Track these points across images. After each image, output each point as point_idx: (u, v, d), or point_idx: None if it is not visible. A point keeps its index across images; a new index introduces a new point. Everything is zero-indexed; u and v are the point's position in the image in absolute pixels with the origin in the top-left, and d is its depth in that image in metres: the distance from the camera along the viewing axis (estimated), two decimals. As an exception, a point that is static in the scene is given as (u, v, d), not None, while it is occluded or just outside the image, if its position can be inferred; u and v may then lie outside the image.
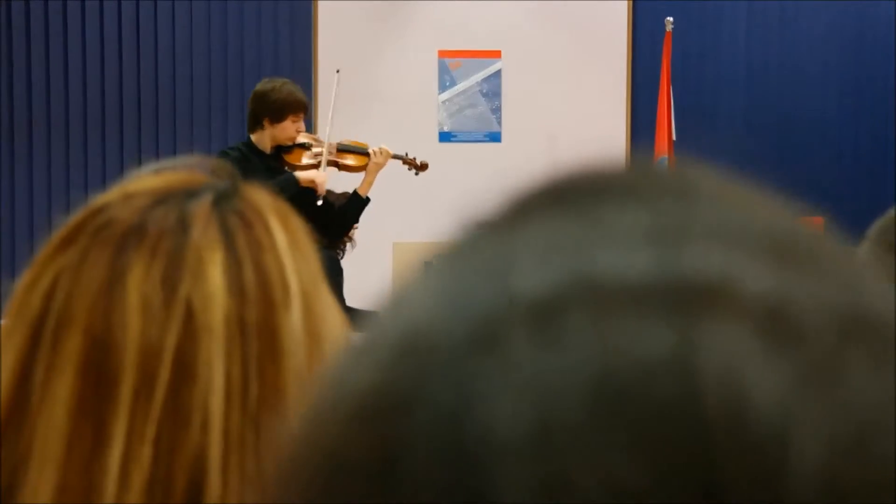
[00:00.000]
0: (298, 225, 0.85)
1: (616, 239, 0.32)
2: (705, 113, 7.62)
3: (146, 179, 0.85)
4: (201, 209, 0.82)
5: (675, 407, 0.29)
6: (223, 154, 4.89)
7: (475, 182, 6.66)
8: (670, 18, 7.01)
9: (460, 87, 7.62)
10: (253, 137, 4.95)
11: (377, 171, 5.11)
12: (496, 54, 7.60)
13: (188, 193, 0.83)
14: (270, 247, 0.82)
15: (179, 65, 7.41)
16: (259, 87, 4.96)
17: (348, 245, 5.64)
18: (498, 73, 7.62)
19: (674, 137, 6.87)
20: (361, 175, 5.15)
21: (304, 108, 4.93)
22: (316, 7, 7.47)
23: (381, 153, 5.13)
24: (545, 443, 0.29)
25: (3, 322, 0.81)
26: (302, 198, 4.83)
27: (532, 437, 0.29)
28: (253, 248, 0.81)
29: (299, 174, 4.94)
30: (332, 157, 5.12)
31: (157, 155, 7.19)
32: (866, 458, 0.29)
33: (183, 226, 0.81)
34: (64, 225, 0.82)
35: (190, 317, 0.78)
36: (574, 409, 0.29)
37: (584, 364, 0.29)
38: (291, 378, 0.79)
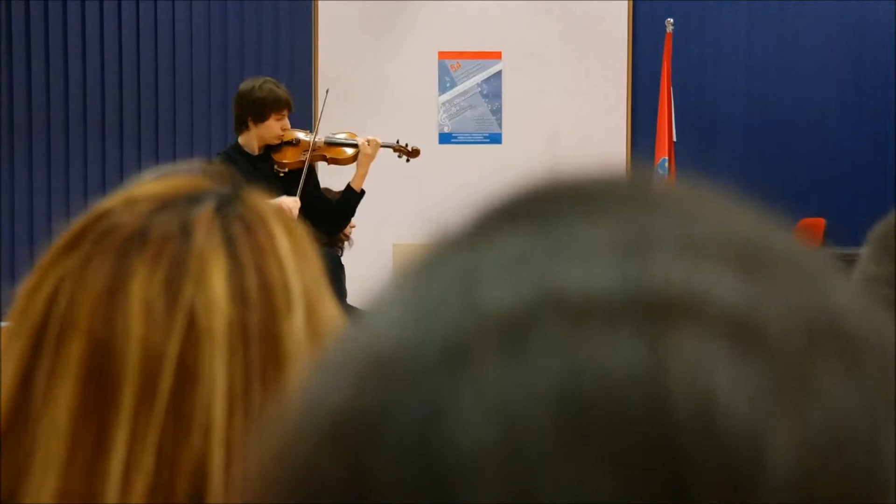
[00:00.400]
0: (301, 230, 0.85)
1: (582, 253, 0.32)
2: (705, 114, 7.62)
3: (148, 185, 0.85)
4: (204, 215, 0.82)
5: (643, 419, 0.29)
6: (210, 160, 4.88)
7: (475, 183, 6.66)
8: (670, 20, 7.01)
9: (460, 88, 7.62)
10: (240, 139, 4.90)
11: (368, 162, 5.08)
12: (496, 55, 7.60)
13: (191, 199, 0.83)
14: (273, 252, 0.82)
15: (179, 65, 7.41)
16: (241, 87, 4.92)
17: (346, 243, 5.64)
18: (498, 75, 7.62)
19: (674, 139, 6.86)
20: (354, 168, 5.14)
21: (286, 105, 4.86)
22: (316, 8, 7.47)
23: (369, 144, 5.10)
24: (514, 460, 0.29)
25: (5, 327, 0.81)
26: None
27: (501, 455, 0.29)
28: (255, 253, 0.81)
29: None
30: (320, 152, 5.10)
31: (156, 156, 7.19)
32: (838, 464, 0.29)
33: (185, 232, 0.81)
34: (66, 230, 0.82)
35: (192, 322, 0.78)
36: (542, 425, 0.29)
37: (552, 379, 0.29)
38: (294, 383, 0.79)
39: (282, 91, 4.85)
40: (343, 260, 5.45)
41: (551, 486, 0.28)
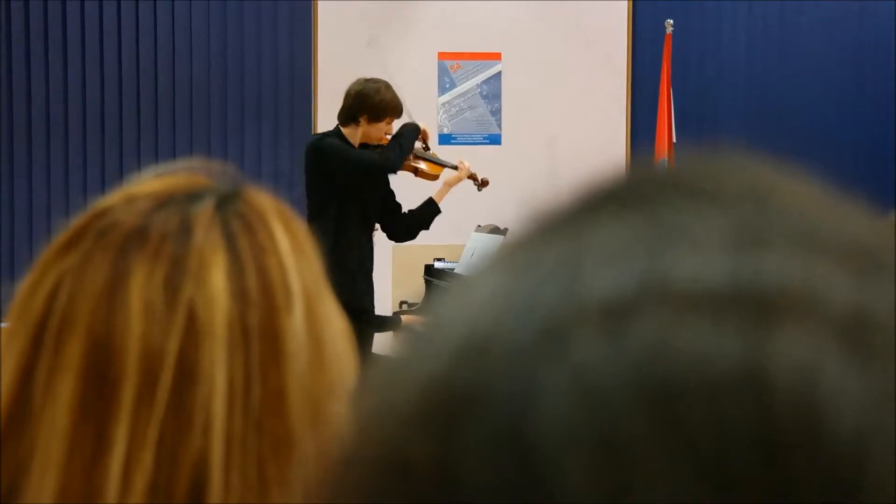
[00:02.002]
0: (301, 228, 0.85)
1: (691, 243, 0.31)
2: (705, 115, 7.62)
3: (148, 183, 0.85)
4: (204, 213, 0.82)
5: (741, 416, 0.28)
6: (325, 135, 5.08)
7: (475, 185, 6.66)
8: (670, 21, 7.01)
9: (460, 89, 7.62)
10: (344, 130, 5.06)
11: (457, 183, 5.35)
12: (496, 56, 7.60)
13: (191, 197, 0.83)
14: (273, 250, 0.82)
15: (179, 65, 7.41)
16: (363, 86, 5.07)
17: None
18: (498, 76, 7.62)
19: (674, 140, 6.86)
20: (430, 184, 5.35)
21: (401, 113, 5.09)
22: (316, 9, 7.47)
23: (464, 167, 5.42)
24: (604, 445, 0.28)
25: (4, 325, 0.81)
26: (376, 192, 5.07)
27: (591, 439, 0.28)
28: (255, 251, 0.81)
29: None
30: (414, 163, 5.29)
31: (156, 155, 7.19)
32: None
33: (185, 229, 0.81)
34: (66, 228, 0.82)
35: (192, 320, 0.78)
36: (634, 414, 0.28)
37: (648, 368, 0.29)
38: (294, 381, 0.79)
39: (400, 100, 5.09)
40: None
41: (641, 474, 0.28)
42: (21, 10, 7.30)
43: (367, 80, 5.12)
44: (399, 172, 5.24)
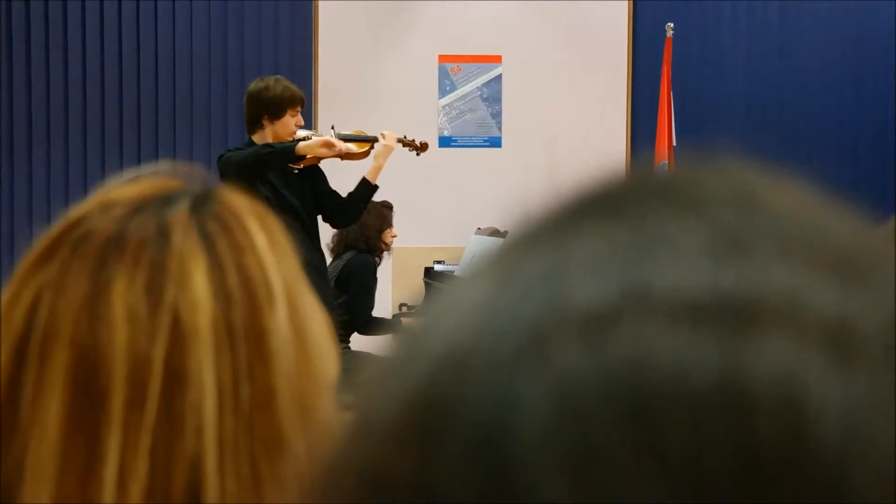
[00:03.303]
0: (276, 225, 0.85)
1: (673, 251, 0.31)
2: (706, 118, 7.62)
3: (120, 189, 0.85)
4: (179, 216, 0.82)
5: (720, 424, 0.28)
6: (226, 154, 4.96)
7: (475, 187, 6.68)
8: (671, 24, 7.01)
9: (460, 91, 7.62)
10: (254, 138, 4.99)
11: (386, 154, 5.19)
12: (496, 59, 7.60)
13: (165, 200, 0.83)
14: (251, 248, 0.82)
15: (179, 66, 7.41)
16: (252, 87, 5.02)
17: (385, 252, 5.68)
18: (498, 78, 7.62)
19: (674, 143, 6.86)
20: (368, 164, 5.23)
21: (301, 101, 4.99)
22: (316, 11, 7.47)
23: (387, 136, 5.24)
24: (581, 462, 0.28)
25: None
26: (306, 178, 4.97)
27: (568, 455, 0.28)
28: (234, 251, 0.81)
29: (300, 145, 4.98)
30: (334, 153, 5.15)
31: (156, 155, 7.19)
32: None
33: (162, 234, 0.81)
34: (41, 239, 0.82)
35: (177, 324, 0.78)
36: (612, 431, 0.28)
37: (628, 383, 0.29)
38: (281, 378, 0.79)
39: (296, 87, 4.97)
40: (380, 264, 5.46)
41: (615, 486, 0.28)
42: (21, 9, 7.30)
43: (256, 81, 5.05)
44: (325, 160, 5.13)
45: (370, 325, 5.73)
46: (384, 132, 5.28)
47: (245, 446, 0.78)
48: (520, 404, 0.29)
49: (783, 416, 0.28)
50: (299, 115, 5.00)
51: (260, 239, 0.82)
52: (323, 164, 5.15)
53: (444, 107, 7.61)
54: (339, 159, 5.22)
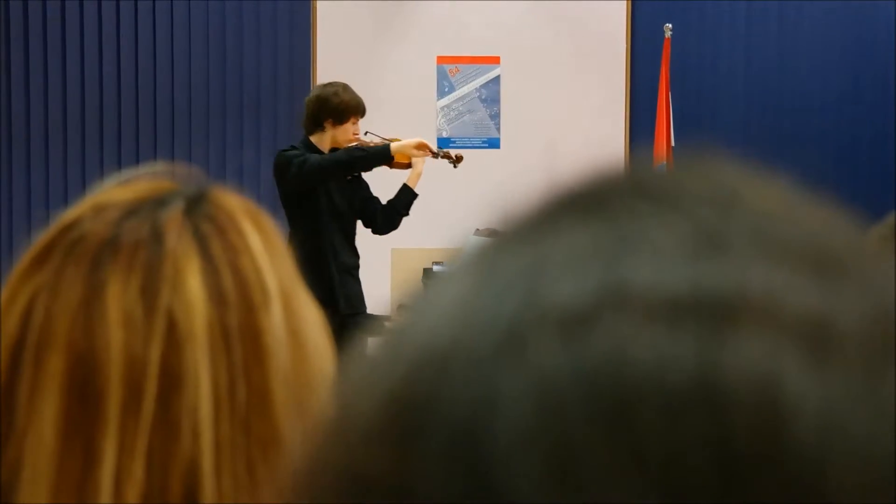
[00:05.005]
0: (271, 225, 0.85)
1: (652, 249, 0.31)
2: (704, 119, 7.62)
3: (114, 191, 0.85)
4: (173, 217, 0.82)
5: (696, 432, 0.28)
6: (288, 149, 5.13)
7: (474, 188, 6.67)
8: (669, 25, 7.01)
9: (459, 93, 7.62)
10: (312, 139, 5.15)
11: (422, 161, 5.34)
12: (495, 60, 7.60)
13: (158, 202, 0.83)
14: (245, 250, 0.82)
15: (177, 66, 7.41)
16: (321, 90, 5.20)
17: None
18: (497, 80, 7.62)
19: (672, 143, 6.87)
20: (406, 173, 5.38)
21: (363, 112, 5.16)
22: (315, 11, 7.48)
23: (413, 143, 5.39)
24: (558, 460, 0.28)
25: None
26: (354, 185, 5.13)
27: (546, 453, 0.28)
28: (228, 252, 0.81)
29: (394, 145, 5.16)
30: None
31: (154, 156, 7.19)
32: None
33: (157, 236, 0.81)
34: (36, 243, 0.82)
35: (172, 327, 0.78)
36: (590, 428, 0.28)
37: (604, 373, 0.29)
38: (277, 378, 0.79)
39: (360, 98, 5.15)
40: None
41: (592, 483, 0.28)
42: (20, 9, 7.30)
43: (324, 86, 5.24)
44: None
45: None
46: (413, 140, 5.44)
47: (241, 447, 0.78)
48: (498, 402, 0.29)
49: (760, 412, 0.28)
50: (358, 124, 5.18)
51: (254, 240, 0.82)
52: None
53: (442, 108, 7.61)
54: (387, 168, 5.33)
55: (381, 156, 5.09)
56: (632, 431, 0.28)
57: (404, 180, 5.38)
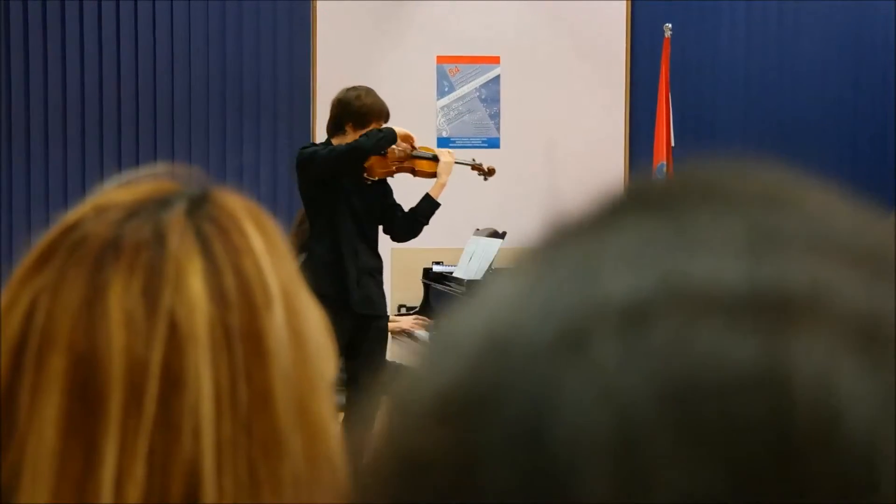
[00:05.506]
0: (273, 226, 0.85)
1: (709, 246, 0.31)
2: (704, 119, 7.63)
3: (116, 192, 0.84)
4: (175, 218, 0.82)
5: (760, 420, 0.28)
6: (307, 146, 5.13)
7: (473, 188, 6.67)
8: (669, 25, 7.01)
9: (459, 92, 7.62)
10: (334, 141, 5.13)
11: (448, 172, 5.34)
12: (495, 60, 7.60)
13: (160, 203, 0.83)
14: (248, 250, 0.82)
15: (177, 66, 7.41)
16: (344, 94, 5.16)
17: None
18: (496, 79, 7.62)
19: (672, 143, 6.87)
20: (431, 182, 5.37)
21: (386, 117, 5.13)
22: (314, 11, 7.48)
23: (448, 153, 5.43)
24: (623, 448, 0.29)
25: None
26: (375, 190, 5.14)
27: (609, 442, 0.29)
28: (230, 253, 0.81)
29: (396, 128, 5.14)
30: (409, 164, 5.31)
31: (154, 157, 7.19)
32: None
33: (159, 237, 0.81)
34: (37, 244, 0.82)
35: (174, 328, 0.78)
36: (653, 416, 0.29)
37: (666, 370, 0.29)
38: (278, 379, 0.79)
39: (384, 103, 5.13)
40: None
41: (658, 474, 0.28)
42: (19, 9, 7.29)
43: (347, 89, 5.19)
44: (397, 175, 5.28)
45: None
46: (442, 150, 5.46)
47: (243, 448, 0.78)
48: (560, 395, 0.30)
49: (818, 407, 0.28)
50: None
51: (256, 241, 0.82)
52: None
53: (442, 108, 7.61)
54: (411, 175, 5.34)
55: (388, 139, 5.06)
56: (693, 423, 0.28)
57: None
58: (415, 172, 5.37)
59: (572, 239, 0.34)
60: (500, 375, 0.31)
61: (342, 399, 4.91)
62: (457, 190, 5.89)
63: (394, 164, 5.20)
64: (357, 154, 4.99)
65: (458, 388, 0.31)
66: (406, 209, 5.34)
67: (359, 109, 5.06)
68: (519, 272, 0.34)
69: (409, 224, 5.30)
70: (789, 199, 0.33)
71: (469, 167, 5.67)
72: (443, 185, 5.32)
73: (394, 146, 5.16)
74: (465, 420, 0.31)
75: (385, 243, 5.52)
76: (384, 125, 5.11)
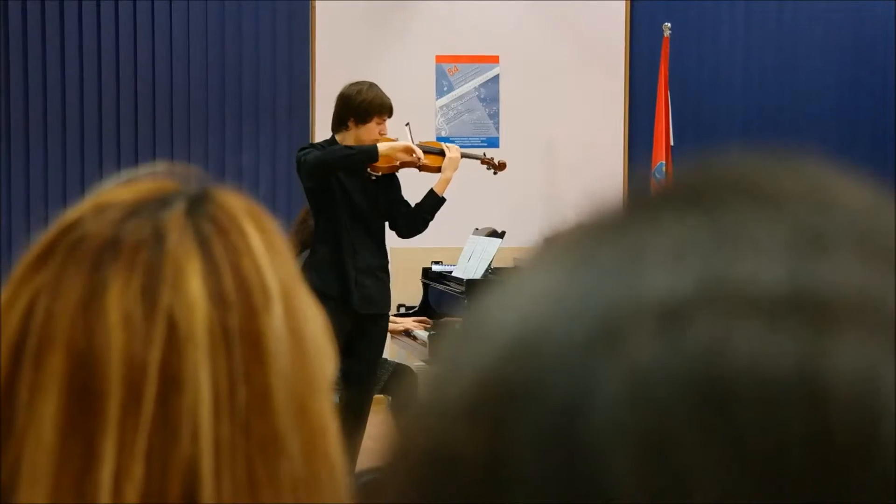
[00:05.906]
0: (272, 226, 0.85)
1: (750, 246, 0.31)
2: (703, 118, 7.63)
3: (115, 191, 0.84)
4: (175, 218, 0.82)
5: (797, 426, 0.28)
6: (309, 147, 5.09)
7: (472, 188, 6.67)
8: (668, 24, 7.02)
9: (458, 92, 7.62)
10: (337, 137, 5.10)
11: (453, 168, 5.30)
12: (494, 59, 7.60)
13: (160, 203, 0.83)
14: (247, 250, 0.81)
15: (177, 66, 7.41)
16: (345, 89, 5.12)
17: None
18: (496, 79, 7.62)
19: (671, 143, 6.87)
20: (436, 176, 5.34)
21: (389, 111, 5.10)
22: (313, 11, 7.47)
23: (452, 149, 5.37)
24: (656, 450, 0.28)
25: None
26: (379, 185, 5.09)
27: (644, 443, 0.29)
28: (230, 253, 0.81)
29: (381, 145, 5.07)
30: (412, 158, 5.26)
31: (153, 157, 7.19)
32: None
33: (158, 237, 0.80)
34: (37, 242, 0.82)
35: (173, 328, 0.78)
36: (688, 415, 0.28)
37: (702, 369, 0.29)
38: (277, 379, 0.79)
39: (386, 97, 5.09)
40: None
41: (690, 473, 0.28)
42: (18, 10, 7.29)
43: (350, 84, 5.15)
44: (403, 169, 5.25)
45: None
46: (448, 145, 5.41)
47: (241, 448, 0.78)
48: (595, 392, 0.29)
49: (857, 410, 0.28)
50: (385, 124, 5.10)
51: (256, 240, 0.82)
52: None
53: (441, 107, 7.61)
54: (416, 170, 5.30)
55: (370, 154, 5.00)
56: (729, 424, 0.28)
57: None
58: (420, 167, 5.34)
59: (611, 234, 0.33)
60: (532, 371, 0.30)
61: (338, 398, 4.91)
62: (456, 189, 5.88)
63: (398, 160, 5.18)
64: (323, 169, 4.92)
65: (489, 383, 0.31)
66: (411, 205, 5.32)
67: (360, 104, 5.03)
68: (551, 264, 0.33)
69: (413, 220, 5.27)
70: (832, 197, 0.33)
71: (479, 161, 5.65)
72: (447, 181, 5.28)
73: (397, 155, 5.11)
74: (499, 413, 0.30)
75: (385, 242, 5.53)
76: (386, 118, 5.08)
